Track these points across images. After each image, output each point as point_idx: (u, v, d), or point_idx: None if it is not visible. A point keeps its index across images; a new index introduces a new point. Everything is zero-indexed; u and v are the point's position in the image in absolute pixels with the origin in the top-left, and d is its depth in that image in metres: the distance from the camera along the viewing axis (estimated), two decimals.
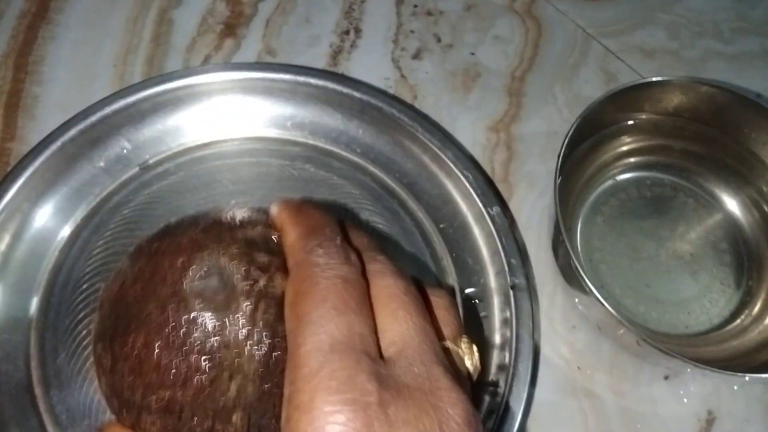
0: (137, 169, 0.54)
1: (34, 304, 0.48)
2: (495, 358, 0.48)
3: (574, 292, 0.51)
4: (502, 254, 0.49)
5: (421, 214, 0.54)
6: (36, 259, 0.50)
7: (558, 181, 0.45)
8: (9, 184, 0.49)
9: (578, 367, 0.52)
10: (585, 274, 0.44)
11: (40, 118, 0.57)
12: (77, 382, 0.46)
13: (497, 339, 0.48)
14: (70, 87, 0.59)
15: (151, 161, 0.54)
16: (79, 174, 0.52)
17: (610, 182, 0.55)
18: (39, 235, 0.50)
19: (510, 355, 0.47)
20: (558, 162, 0.47)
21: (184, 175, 0.54)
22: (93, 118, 0.52)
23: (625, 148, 0.55)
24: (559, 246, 0.50)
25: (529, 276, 0.50)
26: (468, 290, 0.51)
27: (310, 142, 0.56)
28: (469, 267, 0.52)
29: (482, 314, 0.50)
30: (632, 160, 0.56)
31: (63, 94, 0.59)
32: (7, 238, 0.49)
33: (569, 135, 0.48)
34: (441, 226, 0.53)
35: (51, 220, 0.51)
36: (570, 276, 0.50)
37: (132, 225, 0.52)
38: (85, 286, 0.49)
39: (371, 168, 0.56)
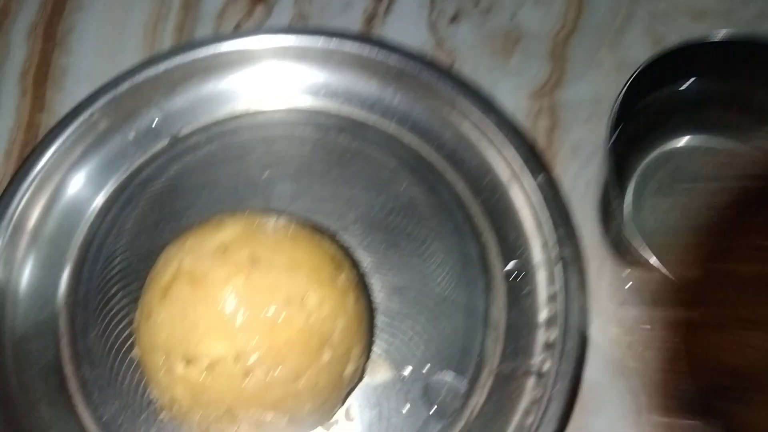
0: (168, 141, 0.52)
1: (64, 279, 0.47)
2: (540, 337, 0.46)
3: (625, 264, 0.48)
4: (549, 225, 0.46)
5: (460, 186, 0.52)
6: (66, 233, 0.49)
7: (610, 143, 0.43)
8: (38, 155, 0.48)
9: (628, 346, 0.49)
10: (641, 243, 0.41)
11: (68, 90, 0.56)
12: (109, 360, 0.45)
13: (542, 316, 0.46)
14: (99, 57, 0.58)
15: (182, 133, 0.53)
16: (109, 146, 0.51)
17: (662, 149, 0.52)
18: (69, 208, 0.49)
19: (558, 332, 0.44)
20: (610, 122, 0.44)
21: (216, 147, 0.53)
22: (122, 88, 0.50)
23: (678, 113, 0.52)
24: (611, 216, 0.47)
25: (578, 248, 0.47)
26: (510, 265, 0.49)
27: (344, 111, 0.54)
28: (511, 241, 0.49)
29: (525, 291, 0.48)
30: (686, 125, 0.52)
31: (92, 65, 0.57)
32: (37, 211, 0.48)
33: (620, 97, 0.45)
34: (481, 198, 0.51)
35: (82, 192, 0.50)
36: (621, 248, 0.47)
37: (163, 199, 0.51)
38: (117, 261, 0.48)
39: (407, 138, 0.53)
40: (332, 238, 0.45)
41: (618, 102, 0.45)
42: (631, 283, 0.49)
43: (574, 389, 0.44)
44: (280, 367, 0.36)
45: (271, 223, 0.40)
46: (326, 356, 0.38)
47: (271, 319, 0.36)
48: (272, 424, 0.38)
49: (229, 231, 0.39)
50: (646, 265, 0.42)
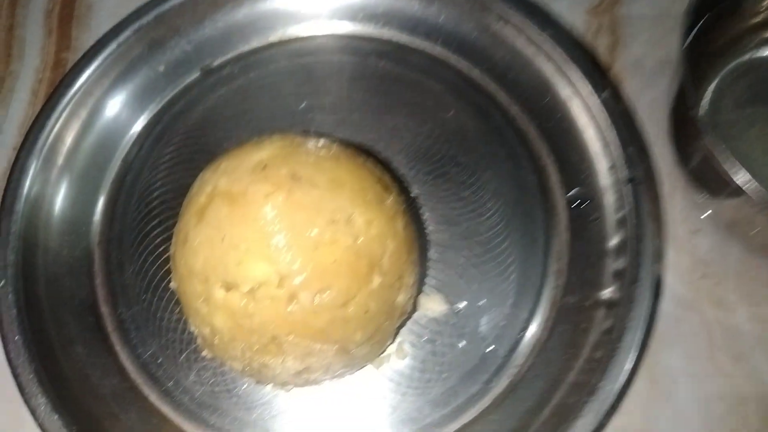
0: (199, 72, 0.49)
1: (98, 216, 0.45)
2: (609, 266, 0.41)
3: (700, 188, 0.44)
4: (617, 144, 0.42)
5: (514, 110, 0.47)
6: (97, 170, 0.46)
7: (685, 45, 0.38)
8: (61, 91, 0.45)
9: (702, 276, 0.45)
10: (726, 157, 0.36)
11: (94, 28, 0.54)
12: (146, 298, 0.43)
13: (611, 243, 0.42)
14: None
15: (214, 64, 0.50)
16: (138, 79, 0.48)
17: (740, 60, 0.47)
18: (100, 145, 0.46)
19: (628, 259, 0.40)
20: (683, 24, 0.39)
21: (250, 77, 0.49)
22: (148, 17, 0.47)
23: (757, 20, 0.47)
24: (685, 132, 0.42)
25: (649, 168, 0.42)
26: (572, 191, 0.45)
27: (385, 35, 0.50)
28: (573, 165, 0.45)
29: (591, 218, 0.43)
30: (766, 34, 0.47)
31: (117, 2, 0.54)
32: (66, 146, 0.45)
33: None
34: (538, 121, 0.47)
35: (112, 127, 0.47)
36: (697, 168, 0.43)
37: (198, 131, 0.48)
38: (151, 198, 0.46)
39: (454, 60, 0.49)
40: (377, 161, 0.41)
41: (691, 4, 0.40)
42: (710, 211, 0.45)
43: (649, 320, 0.39)
44: (328, 290, 0.33)
45: (311, 142, 0.37)
46: (376, 281, 0.34)
47: (316, 239, 0.33)
48: (320, 354, 0.35)
49: (267, 150, 0.36)
50: (728, 184, 0.37)
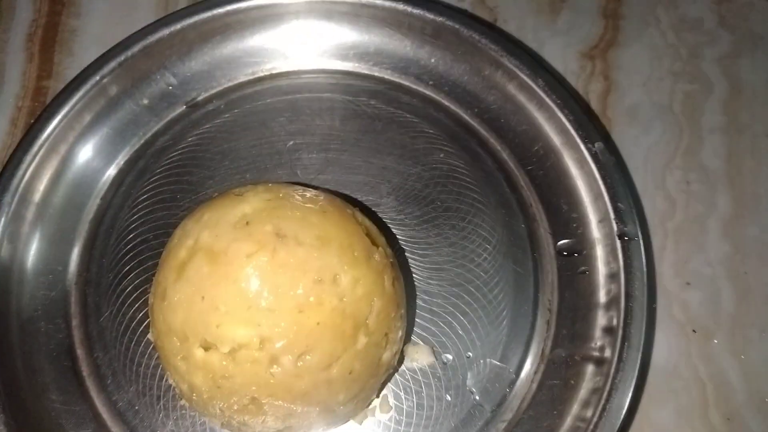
0: (184, 107, 0.48)
1: (75, 256, 0.44)
2: (600, 320, 0.41)
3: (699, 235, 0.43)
4: (607, 198, 0.42)
5: (505, 155, 0.47)
6: (76, 206, 0.45)
7: None
8: (44, 123, 0.44)
9: (693, 330, 0.44)
10: None
11: (77, 54, 0.52)
12: (124, 342, 0.42)
13: (601, 297, 0.41)
14: (110, 19, 0.53)
15: (199, 98, 0.48)
16: (121, 113, 0.47)
17: None
18: (79, 180, 0.45)
19: (618, 316, 0.39)
20: None
21: (237, 113, 0.48)
22: (134, 50, 0.46)
23: None
24: None
25: (642, 222, 0.42)
26: (562, 241, 0.44)
27: (376, 74, 0.49)
28: (564, 214, 0.44)
29: (581, 269, 0.43)
30: None
31: (102, 27, 0.53)
32: (44, 183, 0.44)
33: None
34: (529, 167, 0.46)
35: (92, 162, 0.46)
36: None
37: (180, 169, 0.47)
38: (130, 237, 0.44)
39: (445, 102, 0.48)
40: (365, 211, 0.40)
41: None
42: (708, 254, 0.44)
43: (641, 379, 0.39)
44: (311, 353, 0.32)
45: (298, 194, 0.36)
46: (362, 341, 0.33)
47: (300, 300, 0.32)
48: (302, 415, 0.33)
49: (251, 203, 0.35)
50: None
